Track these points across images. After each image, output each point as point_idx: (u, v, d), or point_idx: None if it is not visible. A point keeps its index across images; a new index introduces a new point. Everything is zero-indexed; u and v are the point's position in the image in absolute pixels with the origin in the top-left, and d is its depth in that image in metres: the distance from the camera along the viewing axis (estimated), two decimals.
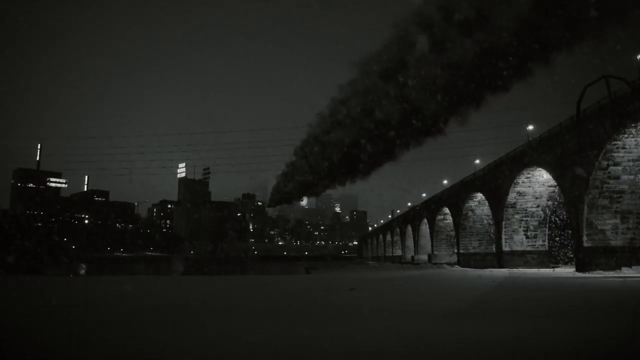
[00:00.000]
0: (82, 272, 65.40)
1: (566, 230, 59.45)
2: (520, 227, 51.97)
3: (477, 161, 64.86)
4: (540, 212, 51.60)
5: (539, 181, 49.19)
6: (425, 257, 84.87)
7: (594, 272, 34.94)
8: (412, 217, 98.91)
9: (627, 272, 34.27)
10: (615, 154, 35.27)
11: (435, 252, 78.72)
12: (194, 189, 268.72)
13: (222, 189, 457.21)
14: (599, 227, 37.09)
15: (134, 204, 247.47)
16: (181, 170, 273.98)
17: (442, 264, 68.39)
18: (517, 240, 52.08)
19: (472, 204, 62.92)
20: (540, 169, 46.37)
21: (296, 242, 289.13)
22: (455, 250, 67.52)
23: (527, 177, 49.03)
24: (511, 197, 50.72)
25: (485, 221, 62.47)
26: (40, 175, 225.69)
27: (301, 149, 32.71)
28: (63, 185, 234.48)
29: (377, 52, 27.61)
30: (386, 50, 26.74)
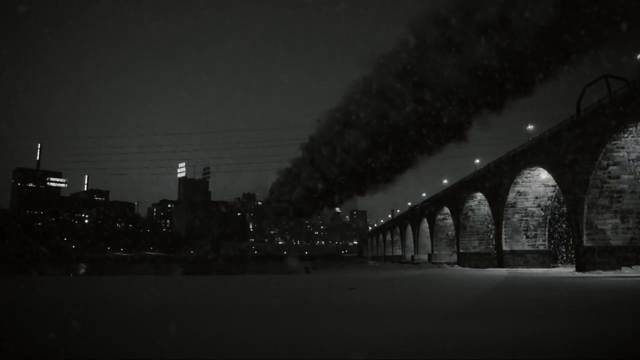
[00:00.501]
0: (82, 272, 65.37)
1: (565, 230, 59.47)
2: (520, 226, 51.94)
3: (477, 161, 65.00)
4: (540, 212, 51.59)
5: (538, 181, 49.19)
6: (425, 257, 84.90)
7: (594, 272, 34.93)
8: (412, 217, 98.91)
9: (627, 272, 34.26)
10: (615, 154, 35.27)
11: (435, 252, 78.74)
12: (194, 189, 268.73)
13: (222, 189, 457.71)
14: (599, 227, 37.08)
15: (134, 204, 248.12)
16: (181, 170, 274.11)
17: (442, 263, 68.39)
18: (517, 240, 52.04)
19: (472, 203, 62.92)
20: (540, 168, 46.37)
21: (296, 242, 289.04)
22: (455, 250, 67.52)
23: (527, 177, 49.02)
24: (511, 196, 50.71)
25: (485, 221, 62.47)
26: (40, 175, 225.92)
27: (309, 148, 31.87)
28: (63, 185, 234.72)
29: (393, 51, 27.14)
30: (402, 50, 26.23)
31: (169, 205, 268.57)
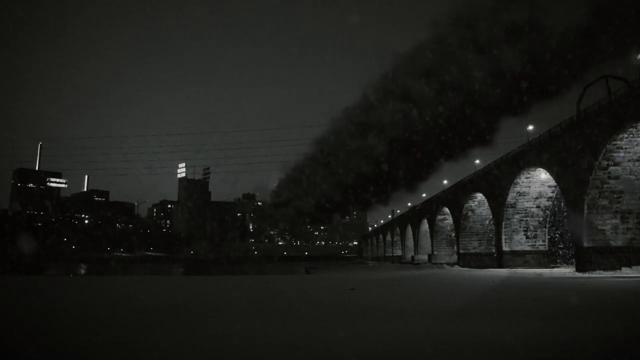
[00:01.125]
0: (82, 272, 65.40)
1: (566, 231, 59.42)
2: (520, 227, 51.93)
3: (477, 161, 65.08)
4: (540, 212, 51.57)
5: (539, 181, 49.18)
6: (425, 257, 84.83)
7: (594, 272, 34.92)
8: (412, 217, 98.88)
9: (627, 272, 34.28)
10: (615, 154, 35.26)
11: (435, 252, 78.70)
12: (194, 189, 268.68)
13: (222, 189, 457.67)
14: (599, 227, 37.05)
15: (134, 204, 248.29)
16: (181, 170, 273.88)
17: (442, 264, 68.38)
18: (517, 240, 52.03)
19: (472, 204, 62.91)
20: (540, 169, 46.37)
21: (296, 242, 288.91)
22: (455, 250, 67.51)
23: (527, 177, 49.00)
24: (511, 197, 50.70)
25: (485, 221, 62.47)
26: (40, 175, 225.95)
27: (322, 146, 31.16)
28: (63, 185, 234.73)
29: (413, 49, 26.86)
30: (423, 49, 25.79)
31: (169, 206, 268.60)
